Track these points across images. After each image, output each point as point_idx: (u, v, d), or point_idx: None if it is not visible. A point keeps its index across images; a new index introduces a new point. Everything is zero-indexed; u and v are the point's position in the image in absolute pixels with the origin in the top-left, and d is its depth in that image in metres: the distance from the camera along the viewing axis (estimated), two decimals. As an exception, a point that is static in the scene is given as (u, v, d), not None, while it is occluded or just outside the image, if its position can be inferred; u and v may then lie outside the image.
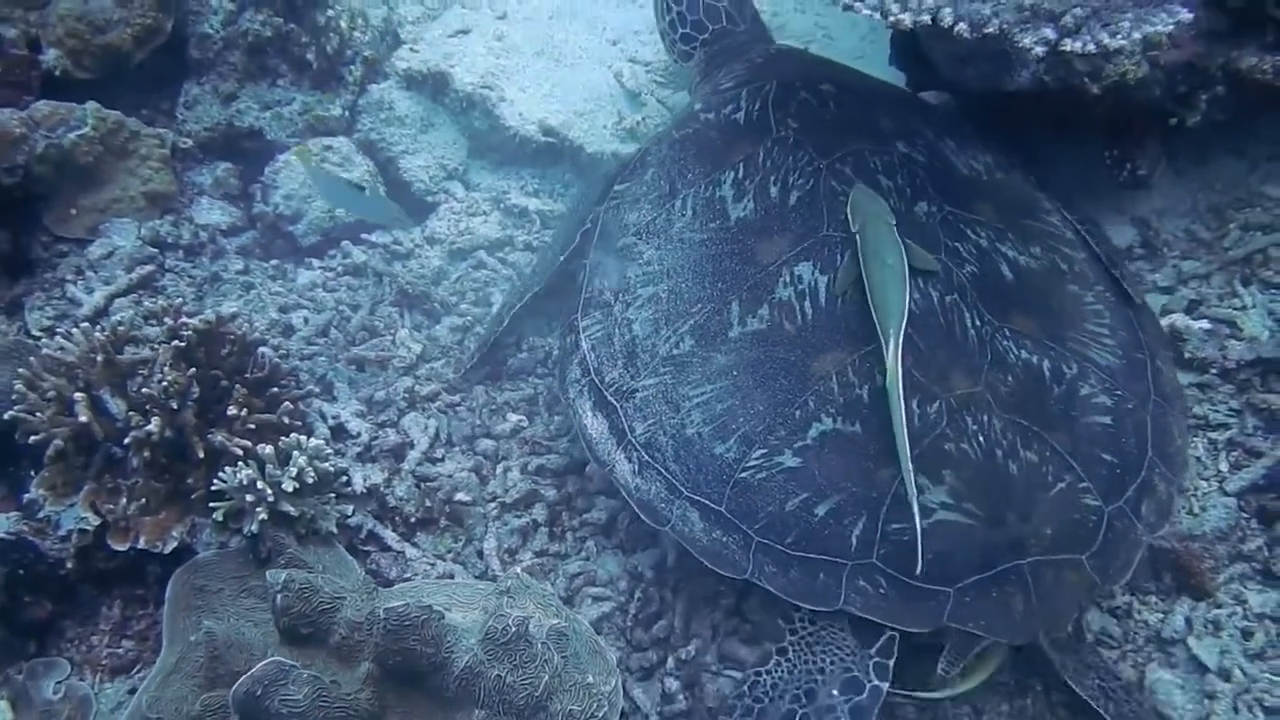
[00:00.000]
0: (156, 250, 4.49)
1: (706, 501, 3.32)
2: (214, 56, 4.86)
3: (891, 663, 3.15)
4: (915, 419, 3.15)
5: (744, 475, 3.28)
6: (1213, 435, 3.79)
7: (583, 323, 3.76)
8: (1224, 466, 3.72)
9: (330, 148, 4.76)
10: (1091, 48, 2.80)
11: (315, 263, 4.63)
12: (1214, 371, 3.86)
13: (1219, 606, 3.50)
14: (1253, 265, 4.07)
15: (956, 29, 2.90)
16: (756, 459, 3.28)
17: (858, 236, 3.41)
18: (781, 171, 3.72)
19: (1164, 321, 3.94)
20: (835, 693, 3.14)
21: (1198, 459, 3.75)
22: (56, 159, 4.34)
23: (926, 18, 2.91)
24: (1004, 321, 3.43)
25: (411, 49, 5.08)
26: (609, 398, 3.58)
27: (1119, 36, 2.81)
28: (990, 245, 3.59)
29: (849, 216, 3.49)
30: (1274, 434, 3.71)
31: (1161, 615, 3.50)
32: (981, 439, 3.20)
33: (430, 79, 5.00)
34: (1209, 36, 3.79)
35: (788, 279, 3.48)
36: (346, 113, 4.96)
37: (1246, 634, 3.43)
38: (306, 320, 4.35)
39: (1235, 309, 3.98)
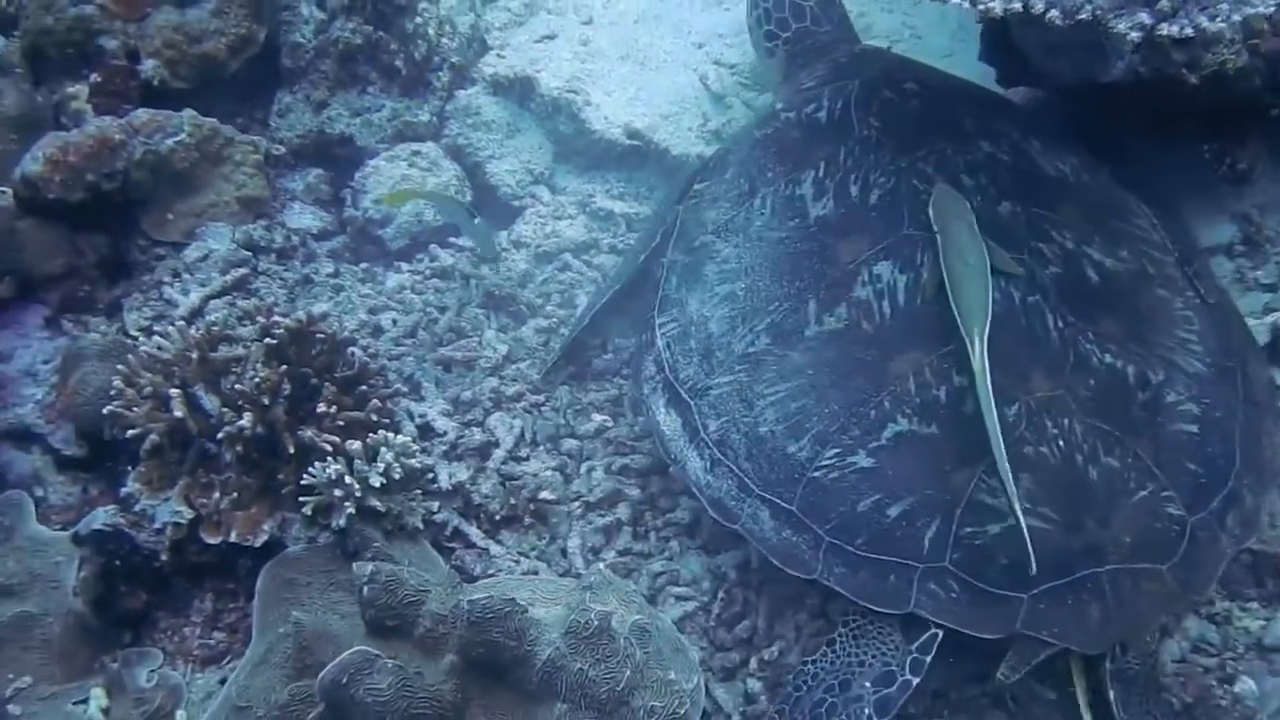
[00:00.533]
0: (250, 253, 4.58)
1: (777, 500, 3.30)
2: (306, 65, 4.94)
3: (928, 658, 3.12)
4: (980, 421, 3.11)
5: (816, 475, 3.26)
6: (1320, 438, 3.64)
7: (659, 320, 3.77)
8: (1332, 469, 3.58)
9: (418, 153, 4.80)
10: (1189, 31, 2.72)
11: (404, 266, 4.67)
12: (1319, 370, 3.73)
13: (1324, 614, 3.38)
14: (1360, 262, 3.94)
15: (1048, 16, 2.84)
16: (829, 459, 3.25)
17: (938, 236, 3.37)
18: (862, 170, 3.68)
19: (1267, 319, 3.83)
20: (868, 684, 3.14)
21: (1302, 461, 3.62)
22: (154, 165, 4.45)
23: (1017, 5, 2.86)
24: (1088, 324, 3.36)
25: (498, 55, 5.11)
26: (683, 395, 3.58)
27: (1218, 19, 2.73)
28: (1075, 247, 3.52)
29: (930, 215, 3.45)
30: (1385, 435, 3.57)
31: (1263, 622, 3.38)
32: (1061, 443, 3.14)
33: (516, 84, 5.02)
34: (1315, 25, 3.68)
35: (866, 278, 3.45)
36: (434, 118, 4.99)
37: (1354, 643, 3.31)
38: (394, 322, 4.39)
39: (1343, 306, 3.85)
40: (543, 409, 4.11)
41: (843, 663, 3.22)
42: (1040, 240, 3.50)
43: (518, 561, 3.66)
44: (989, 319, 3.14)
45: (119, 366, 3.72)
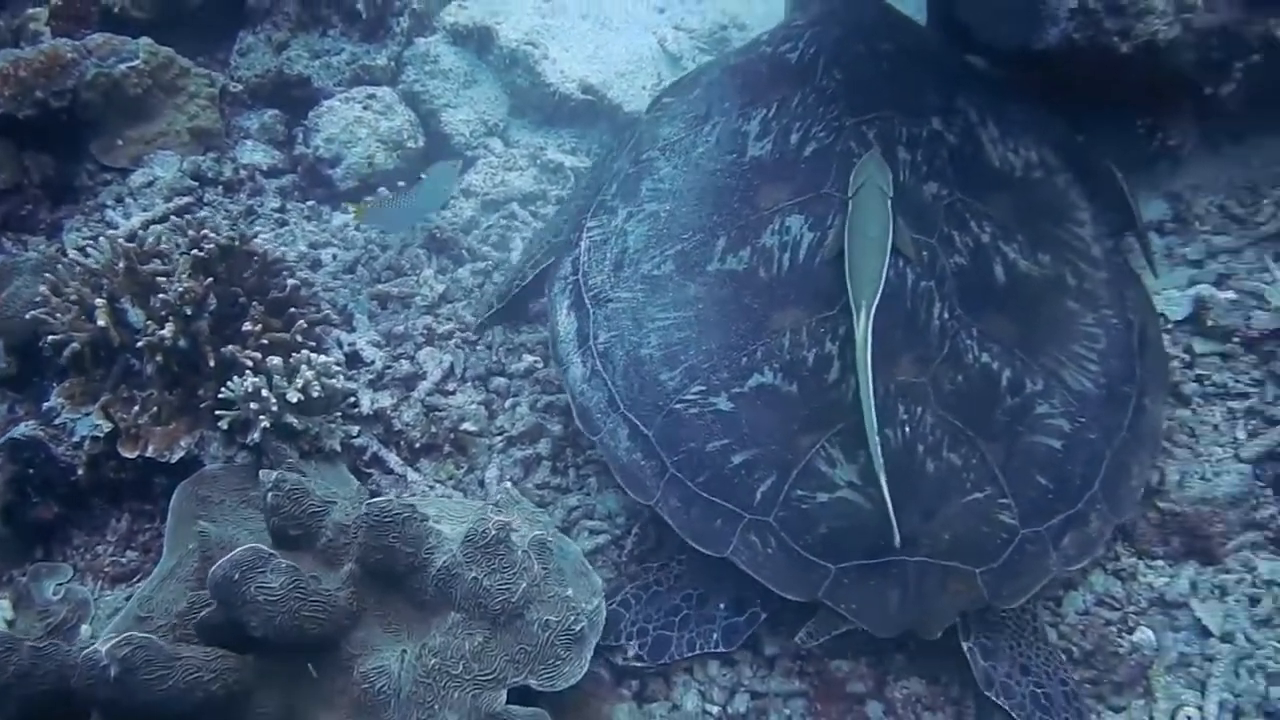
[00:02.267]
0: (196, 183, 4.59)
1: (638, 422, 3.33)
2: (270, 6, 4.96)
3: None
4: (850, 394, 3.12)
5: (678, 406, 3.28)
6: (1232, 404, 3.68)
7: (589, 223, 3.78)
8: (1241, 434, 3.60)
9: (374, 97, 4.80)
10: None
11: (350, 206, 4.66)
12: (1237, 340, 3.76)
13: (1227, 572, 3.39)
14: (1286, 241, 3.96)
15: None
16: (694, 394, 3.27)
17: (850, 202, 3.36)
18: (808, 120, 3.66)
19: (1189, 291, 3.87)
20: (722, 606, 3.23)
21: (1214, 426, 3.65)
22: (106, 88, 4.45)
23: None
24: (975, 320, 3.29)
25: (460, 5, 5.11)
26: (586, 301, 3.60)
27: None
28: (991, 242, 3.44)
29: (851, 180, 3.43)
30: (1295, 403, 3.60)
31: (1167, 579, 3.38)
32: (907, 430, 3.12)
33: (476, 34, 5.04)
34: (1247, 3, 3.70)
35: (776, 227, 3.44)
36: (392, 63, 5.01)
37: (1254, 600, 3.32)
38: (335, 257, 4.39)
39: (1265, 283, 3.85)
40: (475, 346, 4.10)
41: (706, 574, 3.27)
42: (956, 228, 3.44)
43: (432, 488, 3.65)
44: (879, 293, 3.14)
45: (47, 275, 3.71)
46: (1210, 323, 3.80)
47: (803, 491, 3.10)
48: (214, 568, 2.80)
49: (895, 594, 3.02)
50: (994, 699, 3.08)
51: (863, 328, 3.07)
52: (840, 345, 3.20)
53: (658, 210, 3.63)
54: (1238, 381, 3.73)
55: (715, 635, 3.19)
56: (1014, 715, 3.07)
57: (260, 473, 3.14)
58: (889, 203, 3.30)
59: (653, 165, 3.77)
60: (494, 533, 2.92)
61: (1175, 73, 3.78)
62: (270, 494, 3.06)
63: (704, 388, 3.26)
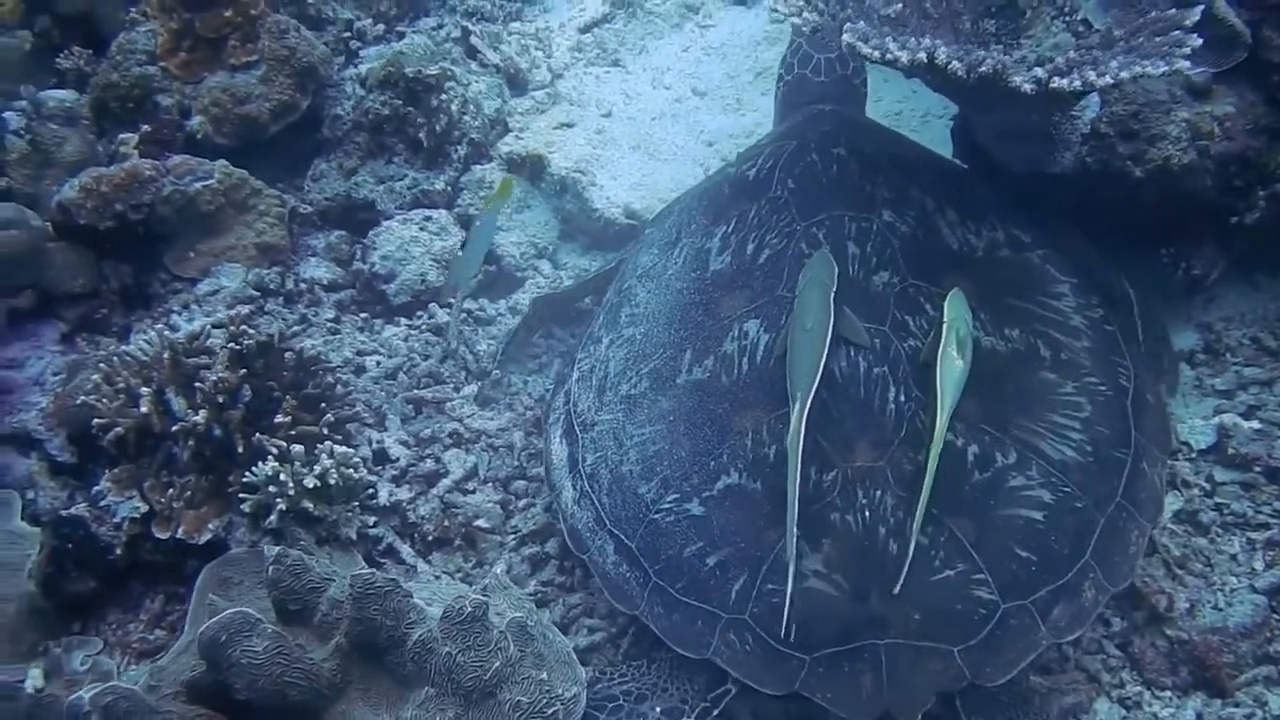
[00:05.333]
0: (258, 294, 4.87)
1: (623, 536, 3.44)
2: (342, 136, 5.31)
3: (716, 711, 3.27)
4: (810, 484, 3.18)
5: (656, 516, 3.38)
6: (1252, 535, 3.61)
7: (579, 355, 3.97)
8: (1259, 565, 3.53)
9: (430, 218, 5.07)
10: (1078, 84, 2.85)
11: (403, 320, 4.88)
12: (1258, 470, 3.69)
13: (1236, 705, 3.29)
14: (1320, 375, 3.91)
15: (950, 67, 2.98)
16: (669, 503, 3.37)
17: (795, 300, 3.47)
18: (763, 230, 3.77)
19: (1213, 420, 3.83)
20: (658, 709, 3.31)
21: (1231, 556, 3.58)
22: (180, 203, 4.80)
23: (923, 56, 3.01)
24: None
25: (516, 136, 5.43)
26: (575, 427, 3.75)
27: (1106, 76, 2.85)
28: None
29: (799, 280, 3.53)
30: (1318, 536, 3.50)
31: (1173, 709, 3.30)
32: (867, 513, 3.16)
33: (529, 162, 5.31)
34: (1268, 132, 3.76)
35: (736, 334, 3.55)
36: (449, 188, 5.29)
37: (1263, 736, 3.21)
38: (378, 364, 4.59)
39: (1294, 414, 3.81)
40: (499, 449, 4.24)
41: (650, 680, 3.39)
42: (910, 312, 3.49)
43: (438, 578, 3.75)
44: (815, 384, 3.19)
45: (101, 365, 3.98)
46: (1230, 451, 3.76)
47: (773, 585, 3.14)
48: (203, 628, 2.94)
49: (868, 678, 3.03)
50: None
51: (796, 418, 3.14)
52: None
53: (633, 334, 3.79)
54: (1259, 512, 3.67)
55: None
56: None
57: (265, 548, 3.29)
58: (830, 296, 3.38)
59: (630, 292, 3.95)
60: (470, 610, 3.00)
61: (1194, 199, 3.81)
62: (272, 567, 3.20)
63: (678, 495, 3.37)
